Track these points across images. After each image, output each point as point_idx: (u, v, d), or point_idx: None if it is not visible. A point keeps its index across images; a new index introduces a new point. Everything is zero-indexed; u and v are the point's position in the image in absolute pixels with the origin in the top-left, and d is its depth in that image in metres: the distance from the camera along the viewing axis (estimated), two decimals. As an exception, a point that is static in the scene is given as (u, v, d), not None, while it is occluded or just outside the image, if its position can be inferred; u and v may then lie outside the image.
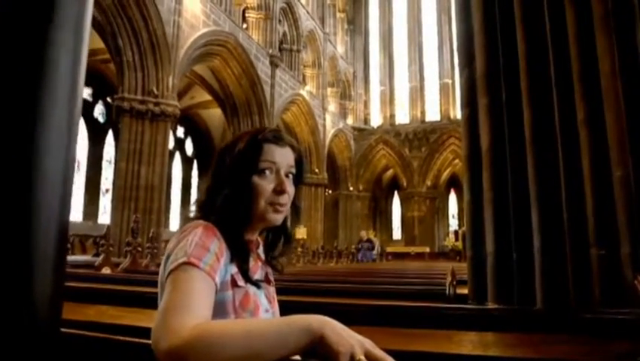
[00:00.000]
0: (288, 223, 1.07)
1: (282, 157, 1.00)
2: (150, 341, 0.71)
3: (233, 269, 0.92)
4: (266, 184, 0.97)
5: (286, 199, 0.99)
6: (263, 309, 0.98)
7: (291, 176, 1.01)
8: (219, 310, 0.85)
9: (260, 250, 1.06)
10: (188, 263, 0.80)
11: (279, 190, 0.97)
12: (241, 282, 0.92)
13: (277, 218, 0.99)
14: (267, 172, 0.97)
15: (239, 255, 0.93)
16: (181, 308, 0.73)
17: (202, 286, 0.79)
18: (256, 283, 0.97)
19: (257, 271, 1.01)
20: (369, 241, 16.45)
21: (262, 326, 0.69)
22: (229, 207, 0.95)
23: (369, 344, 0.67)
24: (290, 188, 0.99)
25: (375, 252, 16.62)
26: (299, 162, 1.04)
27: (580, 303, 2.13)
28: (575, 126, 2.22)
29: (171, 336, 0.67)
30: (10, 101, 0.52)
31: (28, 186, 0.51)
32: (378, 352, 0.66)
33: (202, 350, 0.65)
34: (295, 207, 1.06)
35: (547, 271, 2.28)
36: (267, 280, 1.04)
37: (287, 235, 1.09)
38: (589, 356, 1.21)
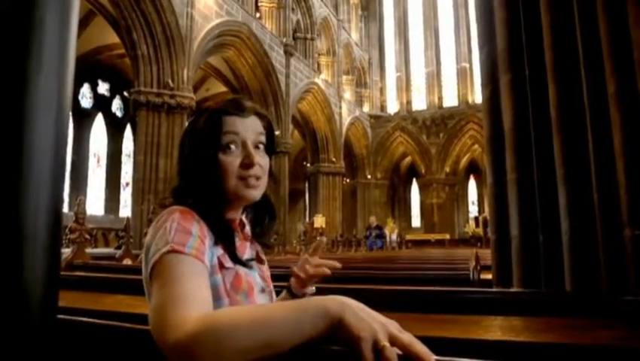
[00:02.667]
0: (270, 196, 1.01)
1: (247, 127, 0.92)
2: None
3: (219, 251, 0.86)
4: (232, 159, 0.90)
5: (258, 171, 0.91)
6: (259, 289, 0.92)
7: (261, 146, 0.94)
8: (212, 295, 0.80)
9: (247, 229, 1.00)
10: (172, 251, 0.74)
11: (247, 163, 0.90)
12: (228, 263, 0.86)
13: (253, 193, 0.92)
14: (232, 146, 0.90)
15: (223, 236, 0.87)
16: (178, 300, 0.67)
17: (192, 270, 0.73)
18: (245, 263, 0.91)
19: (246, 250, 0.96)
20: (378, 227, 15.17)
21: (274, 312, 0.63)
22: (200, 189, 0.89)
23: (394, 327, 0.60)
24: (261, 159, 0.92)
25: (385, 239, 15.40)
26: (268, 130, 0.97)
27: (612, 286, 2.03)
28: (605, 101, 2.10)
29: (174, 331, 0.62)
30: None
31: (14, 159, 0.46)
32: (404, 336, 0.59)
33: (210, 342, 0.59)
34: (272, 176, 0.99)
35: (577, 253, 2.18)
36: (259, 260, 0.99)
37: (270, 209, 1.03)
38: (628, 341, 1.13)
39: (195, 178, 0.90)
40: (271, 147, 0.98)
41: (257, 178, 0.91)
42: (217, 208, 0.90)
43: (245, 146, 0.91)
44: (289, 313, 0.61)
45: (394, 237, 16.74)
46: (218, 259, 0.85)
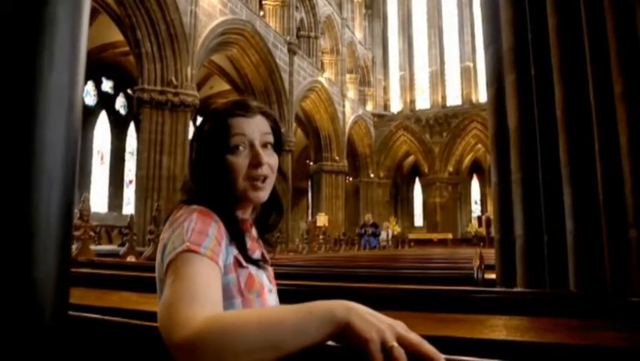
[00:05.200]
0: (279, 193, 1.01)
1: (253, 128, 0.94)
2: None
3: (235, 250, 0.87)
4: (241, 160, 0.91)
5: (266, 171, 0.92)
6: (267, 289, 0.93)
7: (269, 145, 0.95)
8: (224, 294, 0.79)
9: (254, 230, 1.01)
10: (188, 250, 0.75)
11: (255, 163, 0.91)
12: (244, 262, 0.88)
13: (260, 195, 0.93)
14: (240, 147, 0.91)
15: (237, 236, 0.88)
16: (188, 299, 0.67)
17: (206, 272, 0.74)
18: (257, 263, 0.92)
19: (255, 250, 0.96)
20: (374, 225, 14.02)
21: (279, 315, 0.62)
22: (212, 191, 0.90)
23: (401, 328, 0.59)
24: (268, 158, 0.93)
25: (381, 238, 14.19)
26: (275, 128, 0.98)
27: (617, 287, 2.02)
28: (611, 101, 2.09)
29: (181, 329, 0.62)
30: (4, 63, 0.47)
31: (26, 154, 0.47)
32: (412, 336, 0.59)
33: (215, 342, 0.60)
34: (282, 174, 1.00)
35: (581, 254, 2.17)
36: (264, 260, 0.99)
37: (279, 206, 1.03)
38: (633, 342, 1.13)
39: (206, 181, 0.91)
40: (279, 145, 0.98)
41: (264, 179, 0.93)
42: (230, 209, 0.91)
43: (253, 146, 0.92)
44: (295, 316, 0.61)
45: (384, 235, 15.45)
46: (235, 257, 0.87)
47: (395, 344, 0.57)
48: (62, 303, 0.52)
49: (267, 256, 1.03)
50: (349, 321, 0.59)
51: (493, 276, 2.85)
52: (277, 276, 1.13)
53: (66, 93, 0.51)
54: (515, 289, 2.36)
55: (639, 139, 1.97)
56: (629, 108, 2.00)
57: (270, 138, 0.96)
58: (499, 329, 1.22)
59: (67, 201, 0.51)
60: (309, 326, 0.60)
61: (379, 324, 0.59)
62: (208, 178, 0.91)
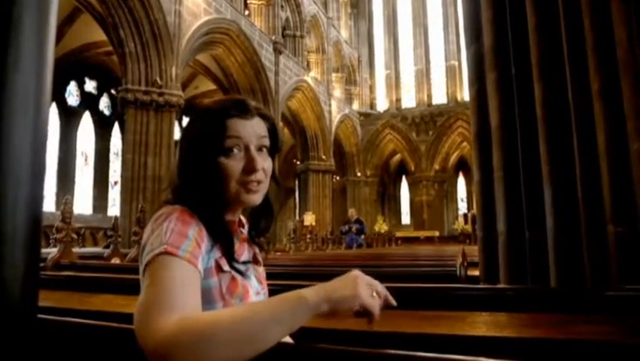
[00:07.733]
0: (271, 197, 0.98)
1: (250, 130, 0.89)
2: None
3: (217, 254, 0.84)
4: (234, 164, 0.86)
5: (260, 177, 0.88)
6: (254, 292, 0.91)
7: (264, 149, 0.91)
8: (205, 298, 0.78)
9: (245, 230, 0.98)
10: (165, 253, 0.73)
11: (250, 169, 0.87)
12: (226, 267, 0.85)
13: (253, 198, 0.89)
14: (235, 150, 0.87)
15: (222, 238, 0.85)
16: (163, 304, 0.66)
17: (183, 275, 0.72)
18: (239, 270, 0.89)
19: (244, 252, 0.94)
20: (358, 221, 12.48)
21: (251, 308, 0.64)
22: (199, 191, 0.86)
23: (367, 278, 0.74)
24: (264, 163, 0.89)
25: (364, 235, 12.85)
26: (272, 131, 0.94)
27: (596, 281, 2.06)
28: (589, 99, 2.13)
29: (155, 334, 0.62)
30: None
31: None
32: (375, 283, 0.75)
33: (189, 344, 0.59)
34: (275, 179, 0.96)
35: (562, 249, 2.21)
36: (255, 261, 0.97)
37: (270, 211, 1.00)
38: (610, 335, 1.15)
39: (194, 180, 0.87)
40: (275, 147, 0.94)
41: (259, 183, 0.89)
42: (216, 211, 0.88)
43: (248, 150, 0.88)
44: (269, 306, 0.63)
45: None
46: (216, 261, 0.84)
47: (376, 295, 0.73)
48: (30, 305, 0.52)
49: (259, 257, 1.00)
50: (330, 308, 0.66)
51: (477, 273, 2.88)
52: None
53: (33, 95, 0.50)
54: (497, 286, 2.38)
55: (616, 136, 2.01)
56: (605, 106, 2.04)
57: (266, 142, 0.91)
58: (479, 325, 1.23)
59: (34, 206, 0.50)
60: (282, 313, 0.62)
61: (352, 292, 0.69)
62: (197, 179, 0.87)
